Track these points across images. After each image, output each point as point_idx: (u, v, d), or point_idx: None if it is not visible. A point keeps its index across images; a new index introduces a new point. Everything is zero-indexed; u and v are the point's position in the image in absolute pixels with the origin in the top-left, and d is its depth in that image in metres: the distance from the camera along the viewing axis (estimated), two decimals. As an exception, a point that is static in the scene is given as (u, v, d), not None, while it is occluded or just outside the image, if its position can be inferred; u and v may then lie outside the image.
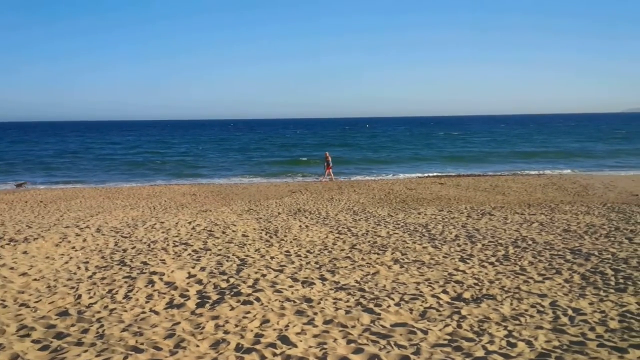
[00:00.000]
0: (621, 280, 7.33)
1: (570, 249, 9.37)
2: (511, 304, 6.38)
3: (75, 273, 8.12)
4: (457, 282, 7.40)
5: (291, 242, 10.45)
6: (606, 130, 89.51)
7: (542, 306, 6.30)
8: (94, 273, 8.09)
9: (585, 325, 5.65)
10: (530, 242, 10.06)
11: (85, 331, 5.60)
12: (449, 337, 5.36)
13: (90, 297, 6.83)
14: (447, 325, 5.70)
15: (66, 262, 8.84)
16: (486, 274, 7.84)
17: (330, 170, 28.32)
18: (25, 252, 9.56)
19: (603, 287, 7.08)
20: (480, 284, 7.30)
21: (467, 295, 6.79)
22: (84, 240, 10.82)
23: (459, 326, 5.67)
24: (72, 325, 5.81)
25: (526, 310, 6.16)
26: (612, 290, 6.89)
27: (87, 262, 8.81)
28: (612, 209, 14.47)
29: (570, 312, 6.07)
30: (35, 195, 21.13)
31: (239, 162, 42.52)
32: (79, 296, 6.87)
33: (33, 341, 5.34)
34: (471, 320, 5.84)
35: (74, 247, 10.08)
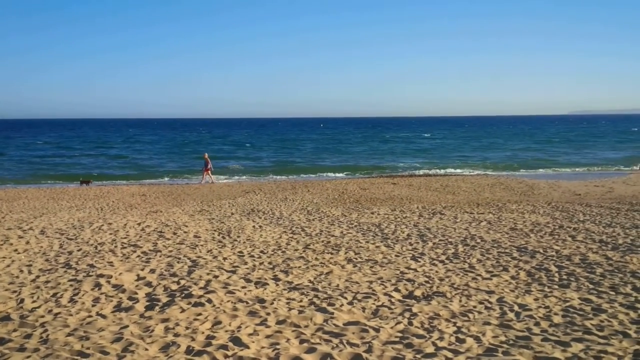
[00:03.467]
0: (564, 277, 7.61)
1: (517, 247, 9.66)
2: (460, 301, 6.52)
3: (17, 276, 7.79)
4: (408, 280, 7.50)
5: (244, 242, 10.36)
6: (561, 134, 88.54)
7: (490, 302, 6.47)
8: (38, 276, 7.78)
9: (531, 320, 5.83)
10: (478, 241, 10.32)
11: (28, 336, 5.38)
12: (400, 335, 5.43)
13: (34, 301, 6.56)
14: (398, 322, 5.77)
15: (8, 265, 8.47)
16: (437, 272, 7.99)
17: (209, 172, 27.32)
18: (-38, 256, 9.11)
19: (547, 283, 7.33)
20: (430, 281, 7.43)
21: (418, 293, 6.90)
22: (27, 242, 10.40)
23: (410, 323, 5.75)
24: (14, 330, 5.58)
25: (474, 307, 6.31)
26: (556, 286, 7.15)
27: (31, 265, 8.47)
28: (556, 208, 15.02)
29: (516, 307, 6.26)
30: (-26, 196, 20.17)
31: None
32: (22, 300, 6.59)
33: (-30, 348, 5.09)
34: (422, 318, 5.93)
35: (16, 250, 9.68)
